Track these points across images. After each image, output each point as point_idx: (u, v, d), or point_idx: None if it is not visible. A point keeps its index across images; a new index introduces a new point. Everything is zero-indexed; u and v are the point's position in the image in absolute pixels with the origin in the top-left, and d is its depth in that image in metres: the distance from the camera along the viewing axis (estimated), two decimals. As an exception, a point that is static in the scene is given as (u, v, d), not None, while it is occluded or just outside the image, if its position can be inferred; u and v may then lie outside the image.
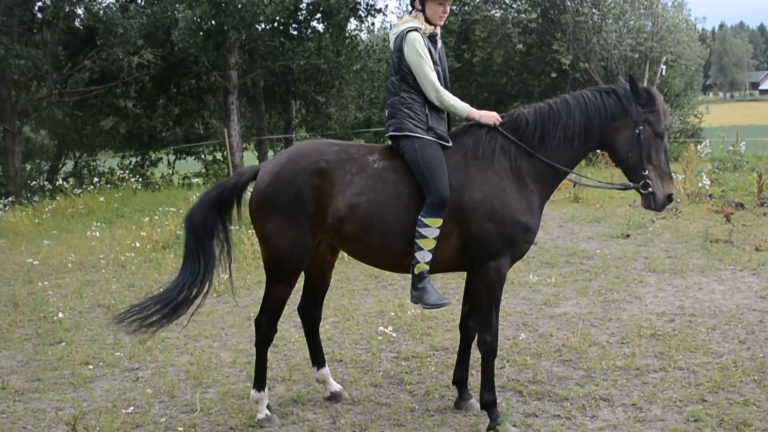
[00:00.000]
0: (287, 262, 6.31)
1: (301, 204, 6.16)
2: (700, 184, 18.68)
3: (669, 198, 6.28)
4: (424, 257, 6.04)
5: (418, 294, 6.14)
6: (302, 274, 6.73)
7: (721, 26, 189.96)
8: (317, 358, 7.02)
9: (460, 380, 6.79)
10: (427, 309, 6.30)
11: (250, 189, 6.64)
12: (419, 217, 6.00)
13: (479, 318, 6.34)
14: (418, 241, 6.01)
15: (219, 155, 33.50)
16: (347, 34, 31.62)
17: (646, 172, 6.22)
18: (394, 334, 8.70)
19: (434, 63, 6.30)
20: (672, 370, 7.38)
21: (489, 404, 6.30)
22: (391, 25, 29.18)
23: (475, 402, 6.64)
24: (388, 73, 6.56)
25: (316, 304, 7.02)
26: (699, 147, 25.97)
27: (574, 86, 33.42)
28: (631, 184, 6.36)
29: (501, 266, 6.15)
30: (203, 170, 32.96)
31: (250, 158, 34.02)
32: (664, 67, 33.79)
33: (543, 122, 6.27)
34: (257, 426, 6.47)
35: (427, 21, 6.34)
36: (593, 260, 12.17)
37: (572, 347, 8.05)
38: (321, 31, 31.58)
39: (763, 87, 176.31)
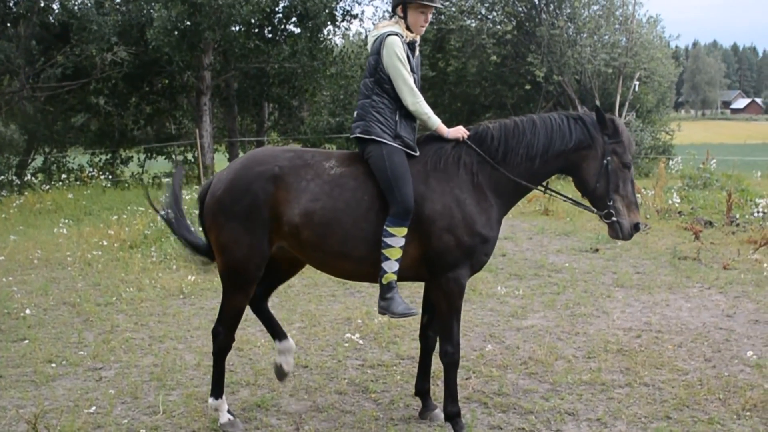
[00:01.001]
0: (244, 270, 6.24)
1: (257, 211, 6.10)
2: (670, 201, 18.78)
3: (636, 227, 6.30)
4: (391, 267, 6.01)
5: (386, 304, 6.09)
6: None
7: (695, 44, 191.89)
8: (276, 331, 6.95)
9: (422, 391, 6.76)
10: (395, 319, 6.26)
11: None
12: (384, 227, 5.97)
13: (440, 329, 6.31)
14: (384, 251, 5.97)
15: (190, 156, 33.34)
16: (322, 39, 31.63)
17: (611, 203, 6.25)
18: (360, 342, 8.67)
19: (411, 70, 6.27)
20: (637, 386, 7.39)
21: (453, 415, 6.28)
22: (367, 31, 29.27)
23: (439, 412, 6.62)
24: (364, 75, 6.49)
25: (267, 289, 6.97)
26: (670, 164, 26.11)
27: (547, 99, 33.57)
28: (594, 210, 6.40)
29: (460, 277, 6.14)
30: (173, 170, 32.69)
31: (221, 160, 33.92)
32: (637, 83, 33.95)
33: (507, 138, 6.26)
34: (220, 430, 6.41)
35: (408, 29, 6.32)
36: (562, 273, 12.19)
37: (538, 360, 8.04)
38: (296, 34, 31.55)
39: (734, 106, 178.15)
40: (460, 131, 6.32)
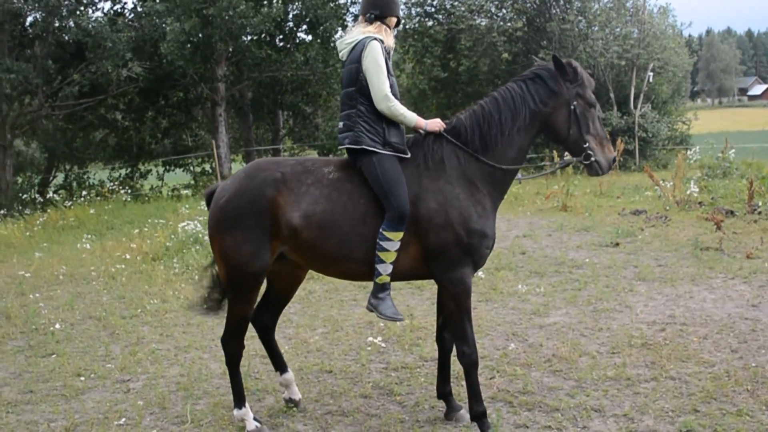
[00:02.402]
0: (245, 278, 6.28)
1: (259, 218, 6.15)
2: (689, 192, 18.70)
3: (612, 161, 6.43)
4: (385, 270, 6.08)
5: (376, 303, 6.17)
6: (264, 286, 6.76)
7: (708, 32, 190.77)
8: (278, 364, 7.06)
9: (444, 393, 6.77)
10: (381, 319, 6.27)
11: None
12: (380, 230, 6.01)
13: (453, 331, 6.33)
14: (379, 254, 6.02)
15: (207, 167, 33.60)
16: (334, 45, 31.75)
17: (587, 144, 6.33)
18: (383, 345, 8.69)
19: (389, 73, 6.33)
20: (663, 380, 7.36)
21: (479, 416, 6.29)
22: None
23: (465, 413, 6.62)
24: (341, 83, 6.53)
25: (273, 316, 7.12)
26: (688, 154, 26.02)
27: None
28: (573, 159, 6.53)
29: (464, 276, 6.16)
30: (192, 182, 33.03)
31: (238, 169, 34.05)
32: (651, 74, 33.87)
33: (479, 125, 6.34)
34: None
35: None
36: (582, 269, 12.17)
37: (562, 357, 8.04)
38: (308, 41, 31.68)
39: (751, 93, 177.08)
40: (437, 123, 6.40)
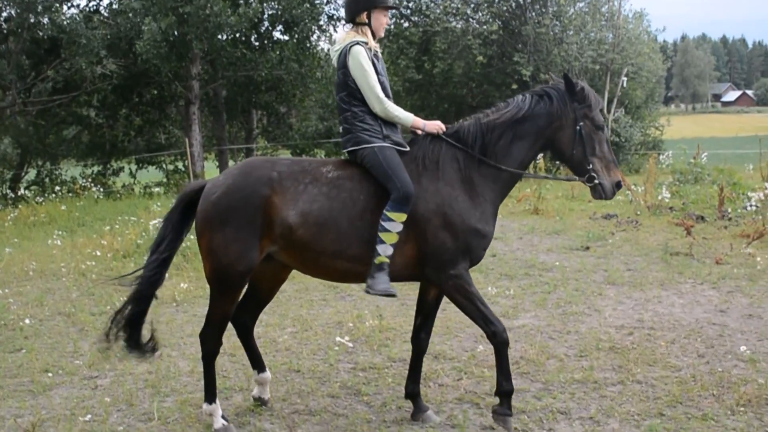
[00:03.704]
0: (231, 276, 6.27)
1: (251, 216, 6.14)
2: (660, 197, 18.82)
3: (617, 185, 6.42)
4: (385, 251, 6.06)
5: (371, 282, 6.14)
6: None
7: (683, 38, 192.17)
8: (256, 362, 7.03)
9: (412, 393, 6.76)
10: (373, 294, 6.22)
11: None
12: (384, 212, 6.03)
13: (474, 320, 6.36)
14: (381, 234, 6.03)
15: (180, 165, 33.49)
16: (309, 45, 31.79)
17: (591, 166, 6.35)
18: (351, 345, 8.70)
19: (378, 74, 6.38)
20: (630, 383, 7.41)
21: (508, 393, 6.37)
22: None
23: (431, 414, 6.64)
24: (335, 90, 6.62)
25: (252, 315, 7.10)
26: (660, 159, 26.15)
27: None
28: (576, 177, 6.51)
29: (461, 271, 6.21)
30: (164, 180, 32.96)
31: (210, 168, 34.01)
32: (625, 78, 34.08)
33: (482, 133, 6.37)
34: None
35: (372, 34, 6.47)
36: (552, 272, 12.22)
37: (530, 360, 8.07)
38: (283, 41, 31.67)
39: (725, 99, 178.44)
40: (437, 125, 6.45)
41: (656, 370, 7.75)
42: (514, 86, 32.51)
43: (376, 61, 6.43)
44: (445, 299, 6.66)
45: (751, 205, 17.16)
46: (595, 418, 6.60)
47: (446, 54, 33.71)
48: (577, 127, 6.32)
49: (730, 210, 17.03)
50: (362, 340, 8.92)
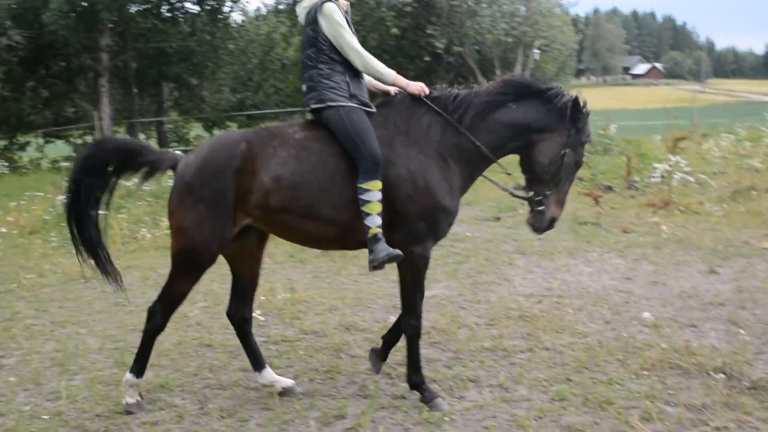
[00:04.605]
0: (201, 256, 6.11)
1: (224, 192, 6.00)
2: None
3: (552, 222, 6.33)
4: (374, 221, 5.98)
5: (372, 256, 6.04)
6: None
7: (595, 12, 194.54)
8: (256, 361, 6.80)
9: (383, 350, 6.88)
10: (379, 265, 6.09)
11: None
12: (358, 185, 5.94)
13: (404, 302, 6.35)
14: (363, 208, 5.94)
15: (89, 139, 32.84)
16: (222, 16, 31.42)
17: (549, 192, 6.25)
18: (263, 318, 8.65)
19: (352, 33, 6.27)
20: (538, 350, 7.52)
21: (418, 384, 6.35)
22: (266, 6, 29.09)
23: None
24: (301, 47, 6.48)
25: (246, 304, 6.85)
26: (571, 131, 26.35)
27: (448, 70, 33.68)
28: (526, 195, 6.39)
29: (425, 249, 6.20)
30: (73, 154, 32.31)
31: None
32: (537, 51, 34.36)
33: (468, 104, 6.23)
34: (124, 411, 6.34)
35: None
36: (464, 243, 12.31)
37: (441, 329, 8.13)
38: (195, 12, 31.26)
39: (634, 72, 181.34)
40: (419, 86, 6.30)
41: (564, 337, 7.88)
42: (427, 58, 32.60)
43: (348, 19, 6.31)
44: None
45: (657, 176, 17.47)
46: (504, 385, 6.67)
47: (360, 26, 33.52)
48: (563, 152, 6.17)
49: (637, 180, 17.33)
50: (274, 314, 8.89)
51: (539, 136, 6.22)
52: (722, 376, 6.59)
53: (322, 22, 6.18)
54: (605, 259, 11.13)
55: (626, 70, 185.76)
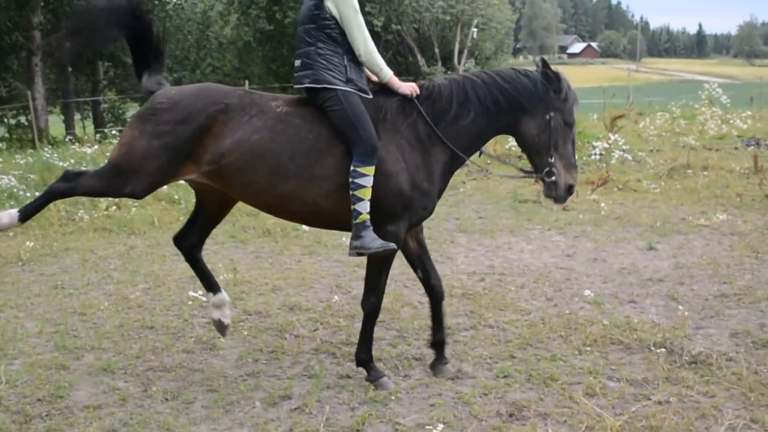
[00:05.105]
0: (128, 174, 5.97)
1: (185, 138, 5.92)
2: (508, 146, 19.14)
3: (569, 189, 6.26)
4: (365, 207, 5.91)
5: (359, 243, 5.96)
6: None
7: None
8: (209, 284, 6.82)
9: (437, 342, 6.66)
10: (367, 254, 6.05)
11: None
12: (353, 168, 5.87)
13: (368, 278, 6.30)
14: (356, 192, 5.87)
15: (23, 119, 32.34)
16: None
17: (552, 160, 6.18)
18: (205, 300, 8.54)
19: None
20: (482, 328, 7.56)
21: (365, 362, 6.34)
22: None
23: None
24: (299, 20, 6.36)
25: (200, 238, 6.79)
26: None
27: (386, 48, 33.61)
28: (534, 173, 6.36)
29: (398, 231, 6.13)
30: (6, 135, 31.80)
31: (56, 122, 32.94)
32: (475, 30, 34.45)
33: (456, 98, 6.18)
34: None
35: None
36: (407, 222, 12.29)
37: (385, 308, 8.05)
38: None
39: (571, 51, 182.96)
40: (411, 87, 6.23)
41: (507, 314, 7.93)
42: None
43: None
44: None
45: (595, 154, 17.66)
46: (449, 362, 6.68)
47: (298, 3, 33.33)
48: (548, 116, 6.14)
49: (576, 158, 17.41)
50: (216, 294, 8.82)
51: (522, 113, 6.21)
52: (663, 350, 6.70)
53: (339, 4, 6.03)
54: (546, 237, 11.21)
55: (563, 49, 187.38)
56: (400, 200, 6.05)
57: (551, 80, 6.15)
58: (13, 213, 6.13)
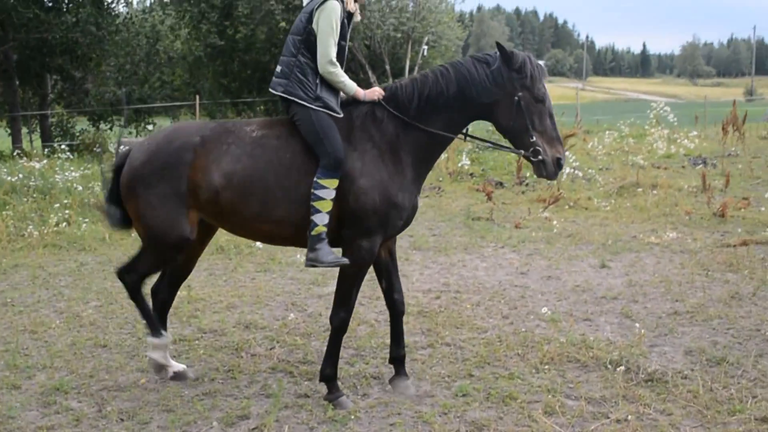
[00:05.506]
0: (162, 240, 6.24)
1: (176, 184, 6.07)
2: (460, 164, 19.23)
3: (558, 162, 6.20)
4: (322, 219, 5.93)
5: (314, 255, 5.99)
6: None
7: (479, 9, 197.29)
8: (155, 327, 6.80)
9: (395, 358, 6.63)
10: (321, 267, 6.05)
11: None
12: (315, 179, 5.90)
13: (338, 293, 6.29)
14: (315, 203, 5.90)
15: (-33, 132, 31.88)
16: (107, 6, 30.78)
17: (533, 139, 6.12)
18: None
19: (342, 38, 6.21)
20: (439, 346, 7.55)
21: (329, 378, 6.30)
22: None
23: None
24: (291, 31, 6.36)
25: (170, 293, 7.05)
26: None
27: (338, 65, 33.56)
28: (522, 152, 6.27)
29: (374, 245, 6.14)
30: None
31: (2, 136, 32.48)
32: (425, 47, 34.55)
33: (419, 92, 6.18)
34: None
35: None
36: (360, 239, 12.27)
37: (342, 326, 8.08)
38: (79, 2, 30.53)
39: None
40: (375, 92, 6.27)
41: (464, 332, 7.92)
42: (317, 53, 32.45)
43: (346, 23, 6.24)
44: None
45: (547, 171, 17.73)
46: (409, 378, 6.64)
47: (249, 19, 33.26)
48: (516, 98, 6.10)
49: (527, 176, 17.55)
50: (171, 312, 8.61)
51: (488, 100, 6.18)
52: (620, 368, 6.73)
53: (319, 17, 6.10)
54: (500, 254, 11.25)
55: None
56: (375, 216, 6.06)
57: (510, 61, 6.17)
58: (154, 341, 6.64)
